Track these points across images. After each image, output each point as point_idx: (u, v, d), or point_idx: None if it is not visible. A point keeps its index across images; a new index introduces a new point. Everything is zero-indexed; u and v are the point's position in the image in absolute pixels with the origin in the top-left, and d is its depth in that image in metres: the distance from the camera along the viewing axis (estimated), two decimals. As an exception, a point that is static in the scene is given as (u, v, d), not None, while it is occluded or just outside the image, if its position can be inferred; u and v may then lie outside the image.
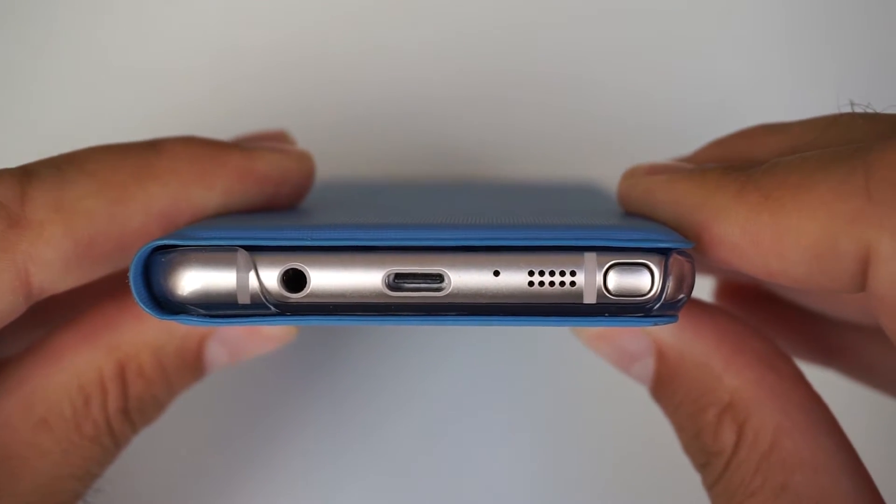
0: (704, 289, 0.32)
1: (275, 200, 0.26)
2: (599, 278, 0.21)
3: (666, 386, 0.25)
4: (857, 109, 0.23)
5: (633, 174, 0.25)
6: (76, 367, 0.25)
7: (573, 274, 0.21)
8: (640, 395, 0.27)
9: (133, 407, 0.25)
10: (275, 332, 0.28)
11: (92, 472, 0.25)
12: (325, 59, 0.36)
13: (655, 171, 0.24)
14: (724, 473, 0.23)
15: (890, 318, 0.20)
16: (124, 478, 0.27)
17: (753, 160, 0.23)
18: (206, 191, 0.25)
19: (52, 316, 0.27)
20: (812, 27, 0.36)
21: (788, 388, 0.23)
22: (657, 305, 0.21)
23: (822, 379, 0.26)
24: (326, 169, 0.29)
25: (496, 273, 0.21)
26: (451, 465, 0.36)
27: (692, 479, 0.25)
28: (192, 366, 0.27)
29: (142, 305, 0.22)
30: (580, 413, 0.36)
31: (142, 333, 0.25)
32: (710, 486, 0.24)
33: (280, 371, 0.30)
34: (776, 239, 0.21)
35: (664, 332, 0.25)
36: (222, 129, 0.29)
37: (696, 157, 0.26)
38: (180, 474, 0.36)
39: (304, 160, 0.27)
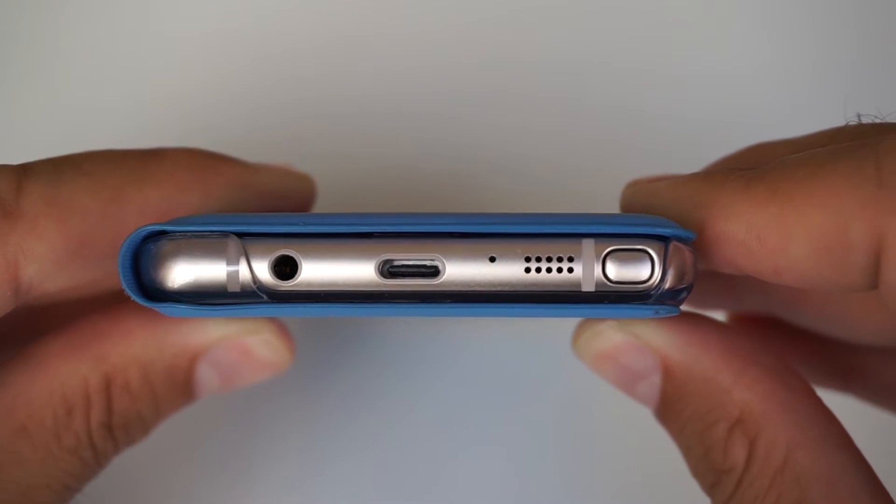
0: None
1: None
2: (598, 265, 0.21)
3: (673, 404, 0.24)
4: (865, 120, 0.23)
5: (635, 183, 0.25)
6: (61, 376, 0.24)
7: (571, 260, 0.21)
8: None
9: (117, 423, 0.25)
10: (269, 359, 0.27)
11: (69, 485, 0.24)
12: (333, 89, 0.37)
13: (659, 178, 0.24)
14: (735, 491, 0.22)
15: None
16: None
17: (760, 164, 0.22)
18: (203, 197, 0.25)
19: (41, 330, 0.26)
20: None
21: (800, 402, 0.22)
22: (658, 294, 0.21)
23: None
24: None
25: (492, 259, 0.21)
26: (448, 473, 0.35)
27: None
28: (182, 387, 0.26)
29: (129, 293, 0.21)
30: (583, 420, 0.35)
31: (131, 347, 0.25)
32: (721, 506, 0.22)
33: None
34: (783, 233, 0.20)
35: (670, 348, 0.24)
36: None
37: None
38: (169, 474, 0.35)
39: (305, 181, 0.27)
